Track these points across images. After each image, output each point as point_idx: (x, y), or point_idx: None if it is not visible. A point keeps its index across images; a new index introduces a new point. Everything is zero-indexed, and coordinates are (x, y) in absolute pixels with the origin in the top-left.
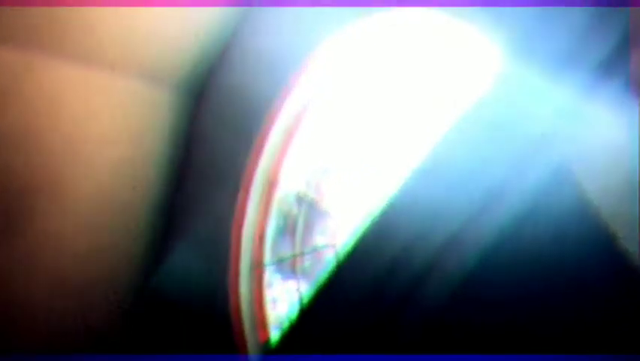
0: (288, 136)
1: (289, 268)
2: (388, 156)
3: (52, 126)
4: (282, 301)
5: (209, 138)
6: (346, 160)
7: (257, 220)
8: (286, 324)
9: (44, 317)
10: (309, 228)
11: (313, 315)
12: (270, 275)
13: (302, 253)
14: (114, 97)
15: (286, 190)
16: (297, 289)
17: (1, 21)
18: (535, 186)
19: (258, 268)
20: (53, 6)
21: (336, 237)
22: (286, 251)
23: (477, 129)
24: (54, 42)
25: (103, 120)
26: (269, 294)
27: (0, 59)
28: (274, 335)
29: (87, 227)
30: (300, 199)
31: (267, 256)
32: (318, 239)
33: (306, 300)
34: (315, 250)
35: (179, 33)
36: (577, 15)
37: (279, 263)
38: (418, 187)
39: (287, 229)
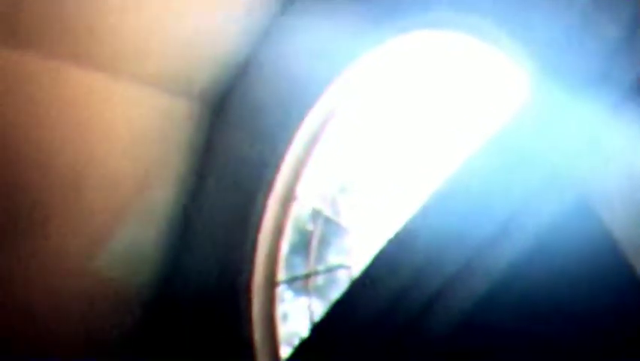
0: (308, 153)
1: (302, 285)
2: (408, 177)
3: (69, 137)
4: (293, 317)
5: (227, 151)
6: (365, 180)
7: (273, 235)
8: (297, 341)
9: (58, 327)
10: (324, 246)
11: (324, 334)
12: (283, 291)
13: (316, 271)
14: (133, 107)
15: (303, 206)
16: (309, 307)
17: (24, 29)
18: (554, 217)
19: (271, 283)
20: (77, 16)
21: (350, 256)
22: (300, 268)
23: (500, 156)
24: (77, 52)
25: (121, 130)
26: (281, 310)
27: (21, 68)
28: (285, 352)
29: (101, 238)
30: (316, 216)
31: (281, 272)
32: (333, 258)
33: (317, 318)
34: (329, 269)
35: (201, 46)
36: (606, 37)
37: (293, 280)
38: (435, 211)
39: (302, 245)
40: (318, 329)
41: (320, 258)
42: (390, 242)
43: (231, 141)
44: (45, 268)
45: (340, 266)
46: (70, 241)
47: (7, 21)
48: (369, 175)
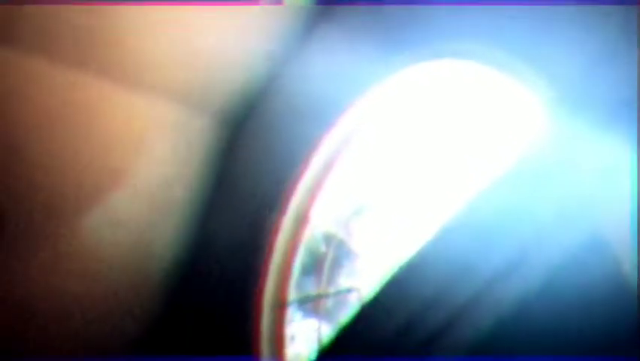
0: (323, 175)
1: (312, 306)
2: (422, 204)
3: (83, 145)
4: (300, 339)
5: (242, 170)
6: (379, 205)
7: (284, 256)
8: None
9: (58, 327)
10: (335, 268)
11: (331, 357)
12: (292, 312)
13: (326, 294)
14: (152, 120)
15: (316, 229)
16: (318, 329)
17: (48, 41)
18: (566, 251)
19: (281, 304)
20: (101, 27)
21: (361, 280)
22: (310, 290)
23: (514, 187)
24: (100, 63)
25: (138, 142)
26: (289, 331)
27: (47, 79)
28: None
29: (118, 246)
30: (329, 239)
31: (291, 293)
32: (344, 281)
33: (325, 341)
34: (339, 292)
35: (222, 62)
36: (625, 68)
37: (302, 301)
38: (448, 239)
39: (313, 267)
40: (325, 351)
41: (330, 280)
42: (401, 269)
43: (247, 160)
44: (50, 269)
45: (350, 290)
46: (79, 246)
47: (40, 34)
48: (384, 200)
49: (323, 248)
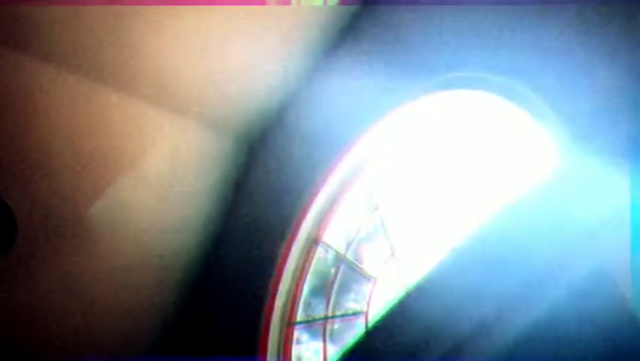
0: (335, 199)
1: (318, 328)
2: (431, 230)
3: (105, 162)
4: (306, 360)
5: (257, 190)
6: (389, 229)
7: (294, 276)
8: None
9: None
10: (343, 291)
11: None
12: (298, 332)
13: (333, 316)
14: (172, 139)
15: (326, 251)
16: (324, 351)
17: (75, 54)
18: (573, 283)
19: (288, 324)
20: (127, 49)
21: (369, 304)
22: (318, 311)
23: (525, 217)
24: (123, 83)
25: (158, 162)
26: (295, 351)
27: (71, 91)
28: None
29: (136, 259)
30: (338, 262)
31: (299, 314)
32: (351, 304)
33: None
34: (346, 315)
35: (241, 84)
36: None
37: (309, 322)
38: (457, 266)
39: (322, 289)
40: None
41: (338, 303)
42: (408, 294)
43: (262, 181)
44: (65, 272)
45: (357, 313)
46: (106, 259)
47: (68, 47)
48: (394, 225)
49: (332, 270)
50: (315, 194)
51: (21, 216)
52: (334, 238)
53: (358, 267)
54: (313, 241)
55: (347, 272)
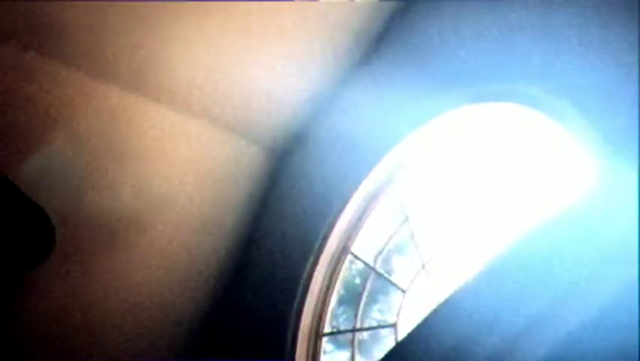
0: (365, 210)
1: (347, 339)
2: (463, 244)
3: (133, 167)
4: None
5: (287, 201)
6: (420, 242)
7: (322, 287)
8: None
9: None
10: (371, 302)
11: None
12: (326, 344)
13: (361, 327)
14: (201, 147)
15: (356, 262)
16: None
17: (103, 63)
18: (600, 305)
19: (316, 334)
20: (156, 54)
21: (397, 316)
22: (346, 321)
23: (559, 234)
24: (153, 88)
25: (186, 168)
26: None
27: (101, 100)
28: None
29: (159, 272)
30: (368, 273)
31: (327, 325)
32: (379, 315)
33: None
34: (375, 326)
35: (272, 95)
36: None
37: (337, 333)
38: (487, 282)
39: (350, 299)
40: None
41: (366, 314)
42: (438, 309)
43: (291, 191)
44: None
45: (386, 325)
46: (131, 272)
47: (96, 55)
48: (425, 238)
49: (361, 282)
50: (345, 204)
51: (58, 222)
52: (364, 249)
53: (388, 279)
54: (342, 252)
55: (376, 284)
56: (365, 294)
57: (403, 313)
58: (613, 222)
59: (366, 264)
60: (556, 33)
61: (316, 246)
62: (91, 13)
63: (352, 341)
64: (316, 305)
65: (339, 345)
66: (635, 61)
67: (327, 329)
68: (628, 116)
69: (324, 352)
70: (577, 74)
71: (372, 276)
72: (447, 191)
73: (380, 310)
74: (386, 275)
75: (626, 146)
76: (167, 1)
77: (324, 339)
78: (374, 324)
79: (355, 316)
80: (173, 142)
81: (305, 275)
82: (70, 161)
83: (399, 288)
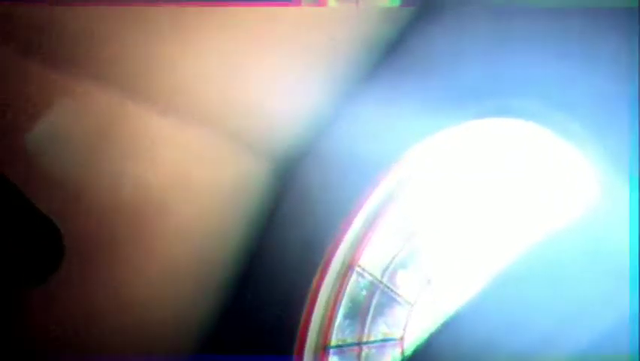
0: (371, 224)
1: (352, 354)
2: (468, 259)
3: (142, 180)
4: None
5: (292, 215)
6: (425, 256)
7: (329, 301)
8: None
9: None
10: (378, 317)
11: None
12: (332, 357)
13: (367, 341)
14: (210, 161)
15: (361, 276)
16: None
17: (117, 77)
18: (613, 319)
19: (322, 348)
20: (168, 70)
21: (403, 331)
22: (352, 336)
23: (565, 249)
24: (165, 103)
25: (195, 181)
26: None
27: (115, 111)
28: None
29: (168, 280)
30: (373, 287)
31: (333, 338)
32: (385, 330)
33: None
34: (380, 340)
35: (281, 109)
36: None
37: (343, 346)
38: (494, 296)
39: (356, 314)
40: None
41: (372, 327)
42: (445, 323)
43: (297, 205)
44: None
45: (391, 339)
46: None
47: (109, 72)
48: (430, 253)
49: (367, 296)
50: (351, 219)
51: (67, 232)
52: (370, 263)
53: (394, 293)
54: (349, 266)
55: (382, 298)
56: (371, 308)
57: (409, 327)
58: (615, 236)
59: (372, 278)
60: (559, 49)
61: (322, 259)
62: (95, 20)
63: (359, 354)
64: (322, 319)
65: (345, 358)
66: (635, 75)
67: (333, 343)
68: (631, 130)
69: None
70: (580, 89)
71: (378, 290)
72: (452, 206)
73: (386, 324)
74: (392, 289)
75: (627, 159)
76: (168, 4)
77: (331, 352)
78: (380, 338)
79: (361, 329)
80: (176, 154)
81: (311, 289)
82: (69, 164)
83: (405, 302)
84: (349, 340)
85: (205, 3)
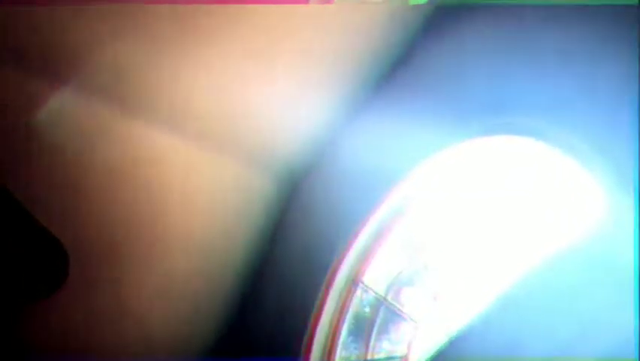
0: (376, 240)
1: None
2: (474, 276)
3: (150, 197)
4: None
5: (297, 229)
6: (431, 274)
7: (333, 318)
8: None
9: None
10: (382, 334)
11: None
12: None
13: (371, 359)
14: (215, 178)
15: (366, 293)
16: None
17: (119, 96)
18: (620, 335)
19: None
20: (174, 90)
21: (408, 348)
22: (357, 353)
23: (571, 265)
24: (167, 121)
25: (201, 198)
26: None
27: (116, 132)
28: None
29: (171, 297)
30: (378, 304)
31: (338, 355)
32: (390, 347)
33: None
34: (385, 358)
35: (284, 126)
36: None
37: None
38: (500, 313)
39: (361, 331)
40: None
41: (377, 344)
42: (451, 340)
43: (302, 221)
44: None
45: (395, 356)
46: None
47: (112, 90)
48: (436, 270)
49: (372, 313)
50: (356, 234)
51: (71, 247)
52: (375, 279)
53: (399, 310)
54: (353, 282)
55: (387, 315)
56: (376, 324)
57: (414, 344)
58: (621, 253)
59: (377, 295)
60: (563, 66)
61: (327, 276)
62: (101, 34)
63: None
64: (327, 335)
65: None
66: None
67: (337, 359)
68: (635, 146)
69: None
70: (584, 106)
71: (383, 306)
72: (458, 222)
73: (391, 341)
74: (397, 306)
75: (632, 175)
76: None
77: None
78: (384, 355)
79: (366, 346)
80: (182, 170)
81: (315, 305)
82: (74, 187)
83: (410, 319)
84: (353, 357)
85: (210, 1)
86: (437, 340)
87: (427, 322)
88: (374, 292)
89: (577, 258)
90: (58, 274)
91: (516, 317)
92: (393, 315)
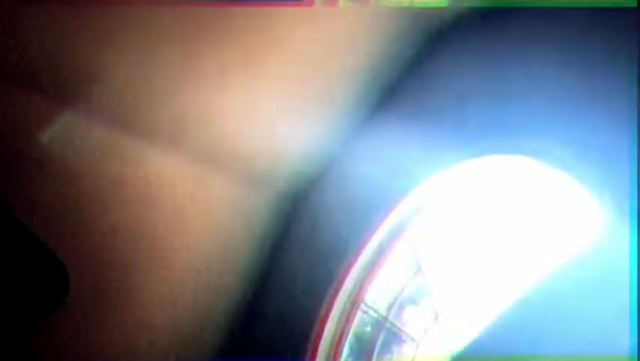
0: (377, 259)
1: None
2: (476, 295)
3: (154, 219)
4: None
5: (298, 247)
6: (433, 293)
7: (334, 338)
8: None
9: None
10: (384, 354)
11: None
12: None
13: None
14: (217, 199)
15: (367, 312)
16: None
17: (124, 114)
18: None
19: None
20: (180, 113)
21: None
22: None
23: (572, 282)
24: (174, 143)
25: (204, 218)
26: None
27: (120, 151)
28: None
29: (173, 313)
30: (379, 324)
31: None
32: None
33: None
34: None
35: (284, 144)
36: None
37: None
38: (502, 332)
39: (362, 351)
40: None
41: None
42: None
43: (303, 238)
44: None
45: None
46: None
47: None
48: (438, 289)
49: (373, 333)
50: (356, 254)
51: (72, 267)
52: (376, 299)
53: (400, 330)
54: (354, 302)
55: (388, 335)
56: (377, 344)
57: None
58: (620, 271)
59: (378, 315)
60: (564, 85)
61: (328, 296)
62: (92, 41)
63: None
64: (327, 356)
65: None
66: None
67: None
68: (633, 166)
69: None
70: (583, 126)
71: (384, 326)
72: (460, 241)
73: None
74: (398, 326)
75: (630, 196)
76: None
77: None
78: None
79: None
80: (184, 186)
81: (316, 325)
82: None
83: (411, 339)
84: None
85: (209, 4)
86: (439, 360)
87: (428, 342)
88: (375, 311)
89: (576, 276)
90: (58, 292)
91: (517, 336)
92: (395, 335)
